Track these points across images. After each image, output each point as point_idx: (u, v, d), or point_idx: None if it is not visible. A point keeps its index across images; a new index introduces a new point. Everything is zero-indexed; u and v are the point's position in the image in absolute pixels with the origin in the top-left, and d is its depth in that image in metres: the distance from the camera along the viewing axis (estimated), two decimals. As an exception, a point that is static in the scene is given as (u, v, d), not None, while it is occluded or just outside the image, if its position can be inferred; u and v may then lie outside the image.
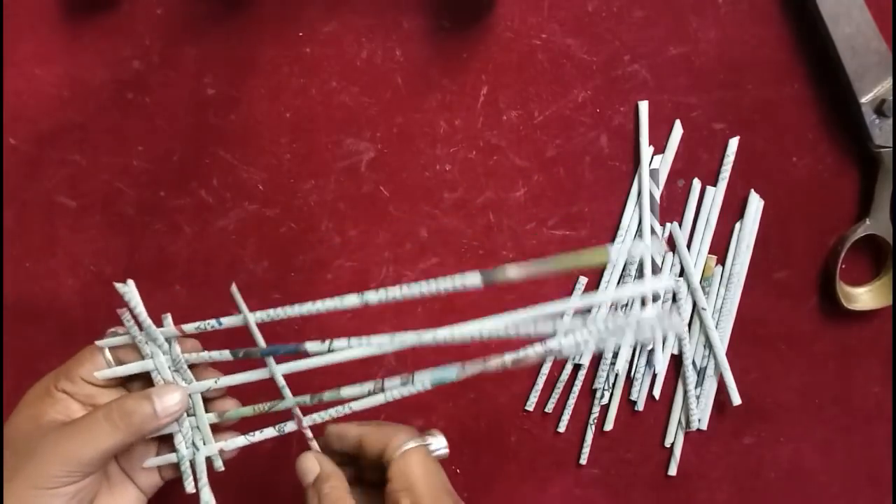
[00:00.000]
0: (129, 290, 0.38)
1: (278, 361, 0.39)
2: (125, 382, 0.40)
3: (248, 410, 0.40)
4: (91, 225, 0.45)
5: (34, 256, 0.45)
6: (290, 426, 0.40)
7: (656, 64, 0.45)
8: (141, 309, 0.38)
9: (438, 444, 0.39)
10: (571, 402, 0.46)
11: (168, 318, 0.39)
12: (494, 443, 0.47)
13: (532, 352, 0.37)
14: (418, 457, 0.36)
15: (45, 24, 0.44)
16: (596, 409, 0.47)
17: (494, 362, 0.37)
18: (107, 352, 0.38)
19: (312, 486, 0.38)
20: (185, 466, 0.39)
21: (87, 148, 0.45)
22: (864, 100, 0.44)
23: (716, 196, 0.46)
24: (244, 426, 0.40)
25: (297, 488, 0.46)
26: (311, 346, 0.38)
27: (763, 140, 0.46)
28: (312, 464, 0.38)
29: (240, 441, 0.40)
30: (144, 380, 0.40)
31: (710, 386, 0.47)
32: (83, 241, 0.45)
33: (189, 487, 0.40)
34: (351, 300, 0.37)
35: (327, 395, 0.39)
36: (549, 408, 0.47)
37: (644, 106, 0.45)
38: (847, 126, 0.46)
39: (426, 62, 0.45)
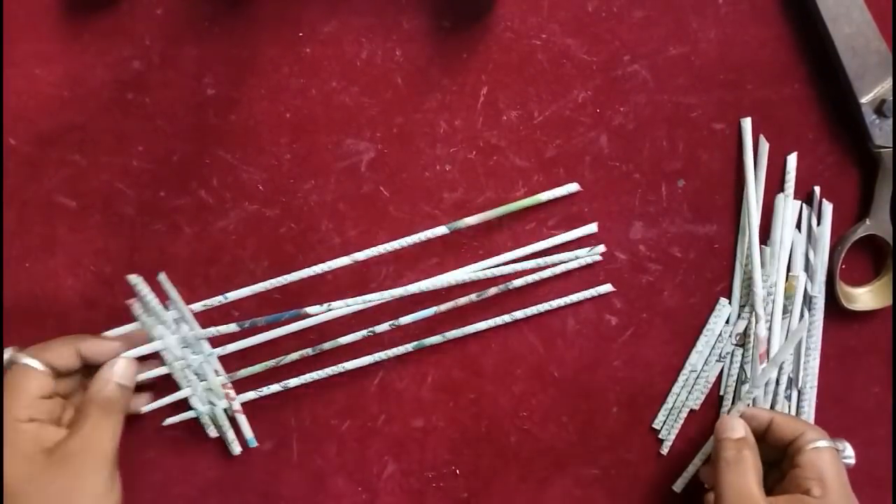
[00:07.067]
0: (139, 282, 0.42)
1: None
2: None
3: (257, 368, 0.45)
4: (91, 225, 0.45)
5: (34, 256, 0.45)
6: (293, 382, 0.46)
7: (656, 64, 0.45)
8: (151, 297, 0.42)
9: (848, 451, 0.43)
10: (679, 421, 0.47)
11: (162, 276, 0.43)
12: (494, 443, 0.47)
13: (493, 290, 0.45)
14: (831, 456, 0.41)
15: (45, 24, 0.44)
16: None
17: (463, 299, 0.45)
18: (34, 361, 0.40)
19: (733, 442, 0.42)
20: (205, 420, 0.45)
21: (87, 148, 0.45)
22: (864, 100, 0.44)
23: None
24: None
25: (298, 488, 0.47)
26: (311, 309, 0.43)
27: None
28: (740, 425, 0.42)
29: (250, 395, 0.45)
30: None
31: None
32: (83, 241, 0.45)
33: (212, 433, 0.45)
34: (343, 260, 0.44)
35: (327, 345, 0.45)
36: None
37: (747, 123, 0.45)
38: (847, 126, 0.46)
39: (426, 62, 0.45)
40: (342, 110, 0.45)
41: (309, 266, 0.45)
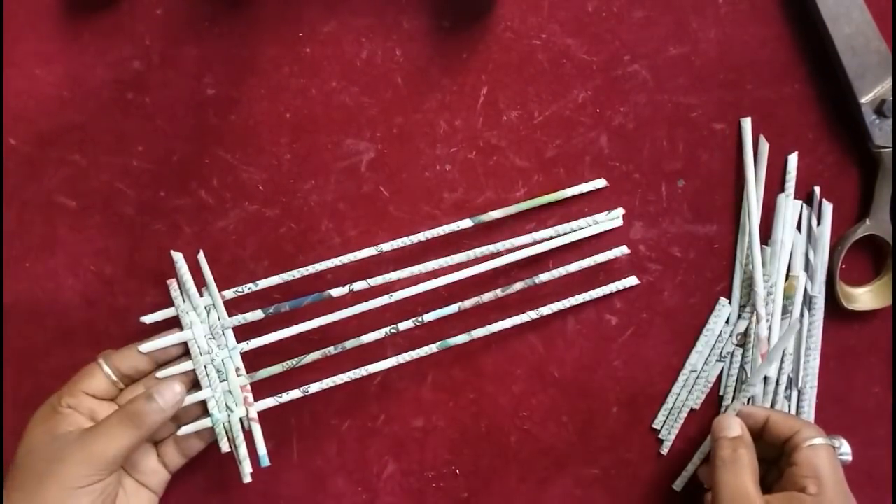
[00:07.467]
0: (179, 258, 0.42)
1: (305, 319, 0.43)
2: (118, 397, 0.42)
3: (277, 368, 0.43)
4: (91, 225, 0.45)
5: (34, 256, 0.45)
6: (314, 387, 0.44)
7: (656, 64, 0.45)
8: (189, 278, 0.42)
9: (845, 448, 0.42)
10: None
11: (200, 255, 0.42)
12: (494, 443, 0.47)
13: (518, 285, 0.45)
14: (827, 453, 0.40)
15: (45, 24, 0.44)
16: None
17: (488, 295, 0.45)
18: (105, 366, 0.41)
19: (729, 440, 0.42)
20: (220, 429, 0.42)
21: (87, 148, 0.45)
22: (864, 100, 0.44)
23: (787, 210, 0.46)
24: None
25: (298, 488, 0.47)
26: (335, 291, 0.43)
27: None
28: (736, 424, 0.43)
29: (269, 402, 0.43)
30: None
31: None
32: (83, 241, 0.45)
33: (224, 447, 0.43)
34: (368, 251, 0.44)
35: (349, 344, 0.44)
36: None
37: (747, 123, 0.45)
38: (847, 126, 0.46)
39: (426, 62, 0.45)
40: (342, 110, 0.45)
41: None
